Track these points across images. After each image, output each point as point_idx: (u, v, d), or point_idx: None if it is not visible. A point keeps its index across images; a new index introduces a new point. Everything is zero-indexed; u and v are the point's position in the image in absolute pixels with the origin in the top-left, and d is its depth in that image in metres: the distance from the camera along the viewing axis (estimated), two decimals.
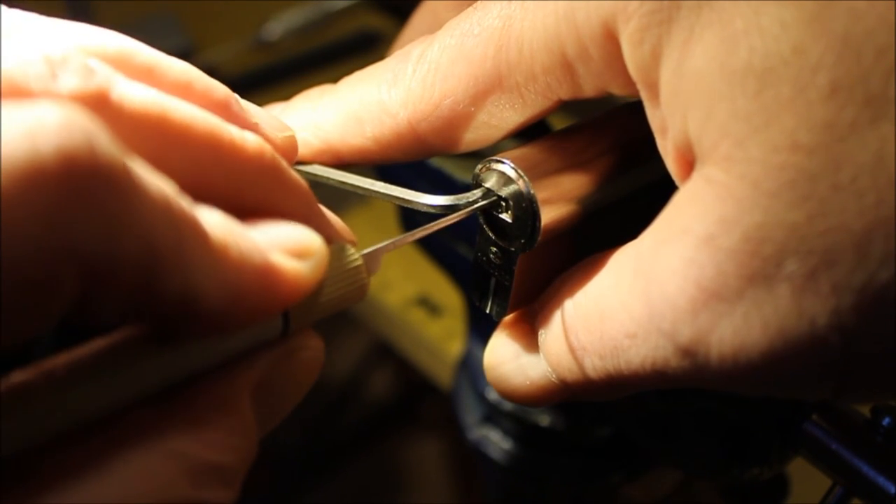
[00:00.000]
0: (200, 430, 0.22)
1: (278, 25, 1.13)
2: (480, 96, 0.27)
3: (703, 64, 0.22)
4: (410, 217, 0.42)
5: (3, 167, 0.16)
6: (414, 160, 0.31)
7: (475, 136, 0.29)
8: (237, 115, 0.26)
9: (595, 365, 0.26)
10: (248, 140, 0.24)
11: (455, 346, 0.79)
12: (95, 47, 0.23)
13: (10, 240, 0.17)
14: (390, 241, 0.28)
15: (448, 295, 0.81)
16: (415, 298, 0.84)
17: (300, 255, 0.23)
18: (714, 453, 0.34)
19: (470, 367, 0.46)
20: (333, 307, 0.26)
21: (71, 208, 0.17)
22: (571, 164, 0.28)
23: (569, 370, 0.27)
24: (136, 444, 0.21)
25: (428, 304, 0.83)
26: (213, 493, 0.22)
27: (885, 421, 0.30)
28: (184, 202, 0.20)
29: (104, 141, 0.18)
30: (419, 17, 0.36)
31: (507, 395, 0.30)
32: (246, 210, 0.24)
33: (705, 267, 0.22)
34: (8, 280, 0.17)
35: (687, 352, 0.23)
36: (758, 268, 0.21)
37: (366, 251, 0.27)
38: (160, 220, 0.19)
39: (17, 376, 0.21)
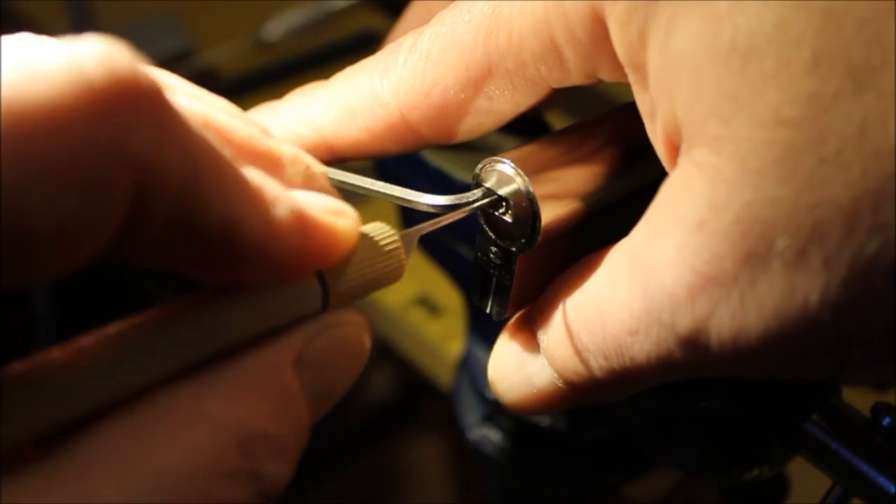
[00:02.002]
0: (242, 399, 0.22)
1: (278, 25, 1.14)
2: (471, 84, 0.28)
3: (688, 43, 0.22)
4: (410, 217, 0.42)
5: (53, 79, 0.18)
6: (408, 152, 0.31)
7: (468, 125, 0.29)
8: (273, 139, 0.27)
9: (600, 365, 0.26)
10: (285, 148, 0.25)
11: (455, 346, 0.79)
12: None
13: (69, 143, 0.18)
14: (426, 223, 0.28)
15: (448, 295, 0.81)
16: (415, 298, 0.84)
17: (333, 213, 0.24)
18: (714, 453, 0.34)
19: (470, 367, 0.46)
20: (372, 285, 0.26)
21: (119, 114, 0.19)
22: (572, 164, 0.28)
23: (574, 373, 0.27)
24: (178, 418, 0.21)
25: (428, 304, 0.83)
26: (267, 466, 0.22)
27: (885, 421, 0.30)
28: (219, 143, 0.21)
29: (142, 67, 0.19)
30: (411, 13, 0.36)
31: (515, 406, 0.30)
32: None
33: (700, 252, 0.22)
34: (73, 177, 0.18)
35: (688, 341, 0.23)
36: (751, 248, 0.21)
37: (403, 232, 0.27)
38: (201, 142, 0.20)
39: (53, 353, 0.21)
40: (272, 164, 0.24)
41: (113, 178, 0.19)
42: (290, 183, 0.25)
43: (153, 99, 0.19)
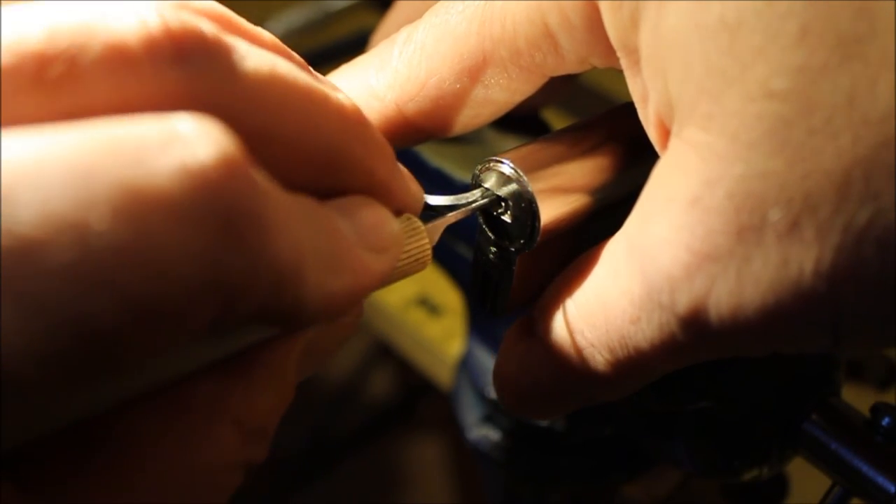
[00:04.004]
0: (256, 398, 0.22)
1: (278, 25, 1.13)
2: (466, 73, 0.28)
3: (678, 23, 0.22)
4: None
5: (165, 205, 0.16)
6: (406, 146, 0.31)
7: (465, 116, 0.29)
8: (323, 81, 0.26)
9: (605, 360, 0.26)
10: (345, 100, 0.24)
11: (455, 346, 0.79)
12: (199, 7, 0.22)
13: (163, 277, 0.16)
14: (449, 215, 0.28)
15: (448, 295, 0.81)
16: (415, 298, 0.84)
17: (384, 249, 0.24)
18: (714, 453, 0.34)
19: (470, 367, 0.46)
20: (398, 277, 0.26)
21: (223, 247, 0.17)
22: (571, 164, 0.28)
23: (581, 371, 0.27)
24: (204, 414, 0.21)
25: (428, 304, 0.83)
26: (256, 452, 0.22)
27: (885, 421, 0.30)
28: (304, 215, 0.21)
29: (251, 172, 0.18)
30: (396, 11, 0.37)
31: (523, 410, 0.30)
32: (339, 169, 0.24)
33: (694, 229, 0.22)
34: (156, 314, 0.17)
35: (688, 320, 0.23)
36: (744, 222, 0.21)
37: (429, 224, 0.27)
38: (289, 244, 0.19)
39: None
40: (338, 115, 0.23)
41: (199, 309, 0.17)
42: (354, 136, 0.24)
43: (253, 215, 0.18)
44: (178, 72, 0.19)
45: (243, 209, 0.18)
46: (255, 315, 0.20)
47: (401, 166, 0.27)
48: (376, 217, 0.24)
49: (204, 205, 0.17)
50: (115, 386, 0.20)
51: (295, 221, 0.20)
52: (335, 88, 0.24)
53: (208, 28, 0.20)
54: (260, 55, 0.21)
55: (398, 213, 0.26)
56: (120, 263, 0.16)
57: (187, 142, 0.17)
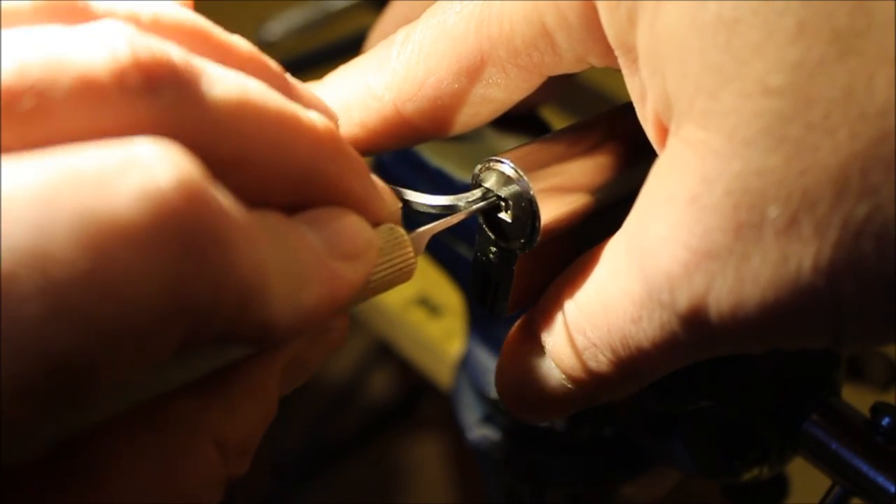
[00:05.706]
0: (237, 415, 0.22)
1: (278, 25, 1.13)
2: (464, 73, 0.28)
3: (675, 21, 0.22)
4: (410, 217, 0.42)
5: (125, 231, 0.16)
6: (404, 146, 0.31)
7: (463, 116, 0.29)
8: (297, 94, 0.26)
9: (608, 360, 0.26)
10: (317, 120, 0.24)
11: (455, 346, 0.79)
12: (171, 22, 0.22)
13: (128, 304, 0.16)
14: (436, 223, 0.28)
15: (448, 295, 0.81)
16: (415, 298, 0.84)
17: (357, 256, 0.24)
18: (714, 453, 0.34)
19: (470, 366, 0.46)
20: (382, 288, 0.26)
21: (185, 270, 0.17)
22: (571, 164, 0.28)
23: (583, 372, 0.27)
24: (182, 434, 0.21)
25: (428, 304, 0.83)
26: (238, 466, 0.23)
27: (885, 421, 0.30)
28: (268, 232, 0.20)
29: (211, 193, 0.18)
30: (391, 12, 0.37)
31: (526, 413, 0.30)
32: (313, 188, 0.24)
33: (692, 228, 0.22)
34: (124, 342, 0.17)
35: (689, 318, 0.23)
36: (742, 219, 0.21)
37: (413, 233, 0.27)
38: (252, 263, 0.19)
39: None
40: (309, 137, 0.23)
41: (166, 333, 0.18)
42: (327, 157, 0.24)
43: (217, 237, 0.18)
44: (148, 102, 0.19)
45: (204, 232, 0.18)
46: (224, 336, 0.20)
47: (376, 179, 0.26)
48: (347, 225, 0.24)
49: (164, 229, 0.17)
50: (88, 411, 0.20)
51: (258, 239, 0.20)
52: (309, 104, 0.24)
53: (178, 55, 0.20)
54: (229, 81, 0.21)
55: (376, 224, 0.26)
56: (83, 292, 0.16)
57: (146, 166, 0.17)
